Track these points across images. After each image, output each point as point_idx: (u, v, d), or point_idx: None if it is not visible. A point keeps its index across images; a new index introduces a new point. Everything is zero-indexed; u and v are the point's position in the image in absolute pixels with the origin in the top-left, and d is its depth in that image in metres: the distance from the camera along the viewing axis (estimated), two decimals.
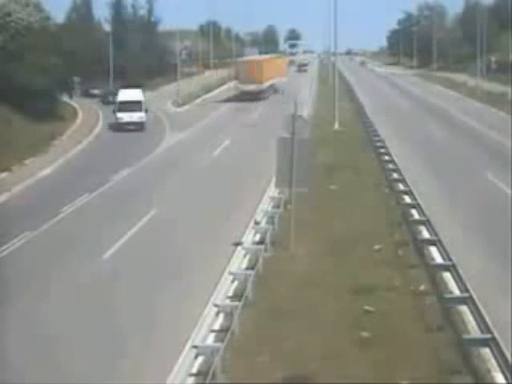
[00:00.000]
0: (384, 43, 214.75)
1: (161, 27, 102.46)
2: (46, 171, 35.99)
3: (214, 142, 42.84)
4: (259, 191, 28.25)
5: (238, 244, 20.94)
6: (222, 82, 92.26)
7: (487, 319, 14.06)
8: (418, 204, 24.13)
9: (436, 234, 20.38)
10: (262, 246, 20.23)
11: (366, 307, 16.26)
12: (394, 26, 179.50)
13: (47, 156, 40.15)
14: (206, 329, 14.53)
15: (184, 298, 17.54)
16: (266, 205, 25.45)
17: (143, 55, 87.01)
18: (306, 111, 50.55)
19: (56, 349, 14.96)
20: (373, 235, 22.04)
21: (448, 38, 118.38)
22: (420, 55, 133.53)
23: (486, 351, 13.55)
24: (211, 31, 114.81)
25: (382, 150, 36.46)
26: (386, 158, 34.54)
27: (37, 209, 27.76)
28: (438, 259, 19.15)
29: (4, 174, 35.09)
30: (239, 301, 16.08)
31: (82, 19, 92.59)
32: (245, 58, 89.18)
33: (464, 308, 15.61)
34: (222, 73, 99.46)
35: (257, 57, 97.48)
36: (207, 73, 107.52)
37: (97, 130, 51.95)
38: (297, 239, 21.21)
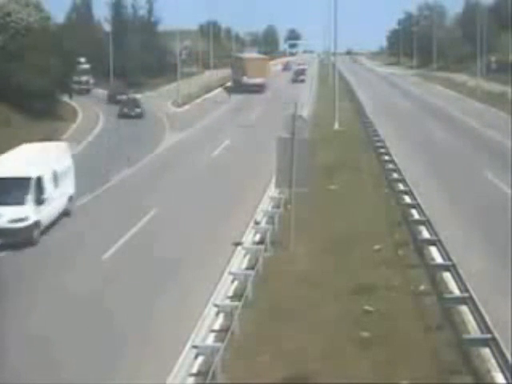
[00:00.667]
0: (384, 43, 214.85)
1: (161, 27, 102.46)
2: None
3: (214, 142, 42.84)
4: (260, 191, 28.25)
5: (237, 244, 20.94)
6: (223, 82, 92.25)
7: (487, 319, 14.06)
8: (418, 204, 24.13)
9: (436, 234, 20.38)
10: (262, 246, 20.24)
11: (366, 307, 16.27)
12: (394, 25, 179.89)
13: None
14: (205, 329, 14.54)
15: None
16: (265, 205, 25.46)
17: (143, 55, 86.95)
18: (305, 111, 50.56)
19: None
20: (373, 235, 22.05)
21: (448, 37, 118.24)
22: (420, 55, 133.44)
23: (486, 351, 13.55)
24: (211, 31, 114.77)
25: (382, 150, 36.47)
26: (386, 157, 34.55)
27: None
28: (438, 259, 19.15)
29: None
30: (239, 301, 16.08)
31: (82, 19, 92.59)
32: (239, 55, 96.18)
33: (464, 308, 15.62)
34: (223, 73, 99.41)
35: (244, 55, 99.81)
36: (207, 73, 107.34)
37: (97, 129, 51.93)
38: (297, 239, 21.20)
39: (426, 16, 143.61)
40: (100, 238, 23.03)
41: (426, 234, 21.49)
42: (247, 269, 18.83)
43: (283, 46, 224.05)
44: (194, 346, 13.53)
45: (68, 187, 25.99)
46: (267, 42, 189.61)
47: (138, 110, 58.19)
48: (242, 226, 23.10)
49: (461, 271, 16.94)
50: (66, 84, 58.60)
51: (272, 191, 26.51)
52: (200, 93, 79.46)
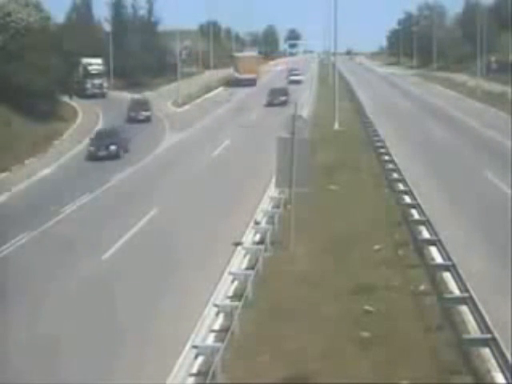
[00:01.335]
0: (384, 43, 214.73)
1: (161, 27, 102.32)
2: (46, 171, 36.01)
3: (215, 142, 42.84)
4: (260, 190, 28.25)
5: (237, 244, 20.95)
6: (223, 82, 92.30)
7: (487, 319, 14.06)
8: (418, 204, 24.12)
9: (436, 234, 20.38)
10: (261, 246, 20.24)
11: (366, 307, 16.27)
12: (394, 25, 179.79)
13: (47, 156, 40.17)
14: (205, 329, 14.54)
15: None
16: (265, 205, 25.46)
17: (143, 55, 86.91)
18: (305, 111, 50.57)
19: None
20: (373, 235, 22.04)
21: (448, 37, 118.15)
22: (420, 55, 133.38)
23: (486, 351, 13.55)
24: (211, 31, 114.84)
25: (382, 150, 36.46)
26: (386, 157, 34.54)
27: (37, 209, 27.77)
28: (438, 259, 19.15)
29: (4, 174, 35.14)
30: (239, 301, 16.09)
31: (82, 19, 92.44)
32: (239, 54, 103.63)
33: (464, 308, 15.61)
34: (223, 73, 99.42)
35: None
36: (207, 73, 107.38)
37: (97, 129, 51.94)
38: (297, 239, 21.20)
39: (426, 16, 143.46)
40: (100, 238, 23.14)
41: (425, 234, 21.48)
42: (247, 269, 18.83)
43: (283, 45, 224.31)
44: (194, 346, 13.54)
45: None
46: (267, 42, 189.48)
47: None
48: (241, 226, 23.11)
49: (461, 271, 16.94)
50: (66, 84, 58.55)
51: (272, 191, 26.52)
52: (200, 93, 79.45)
